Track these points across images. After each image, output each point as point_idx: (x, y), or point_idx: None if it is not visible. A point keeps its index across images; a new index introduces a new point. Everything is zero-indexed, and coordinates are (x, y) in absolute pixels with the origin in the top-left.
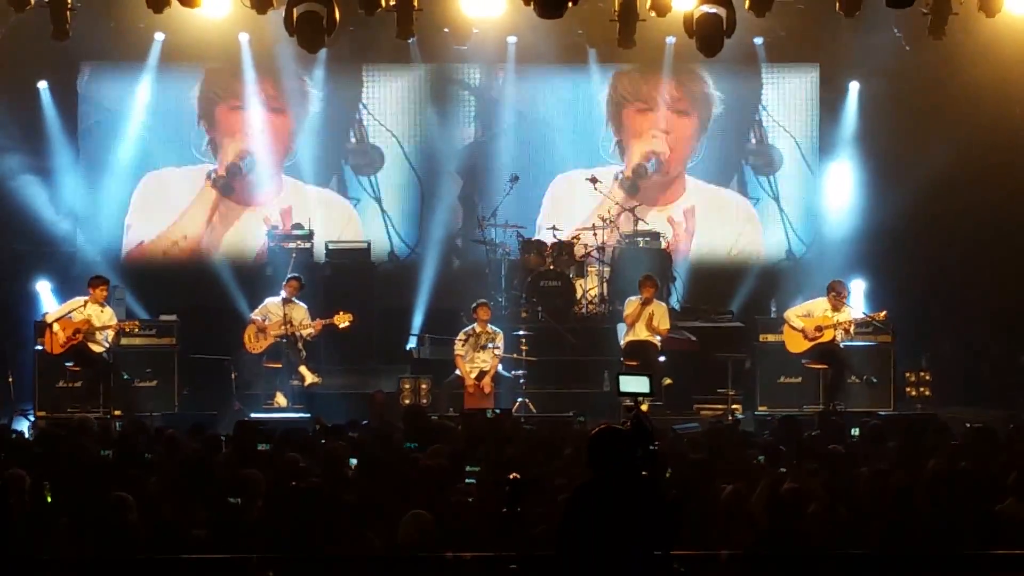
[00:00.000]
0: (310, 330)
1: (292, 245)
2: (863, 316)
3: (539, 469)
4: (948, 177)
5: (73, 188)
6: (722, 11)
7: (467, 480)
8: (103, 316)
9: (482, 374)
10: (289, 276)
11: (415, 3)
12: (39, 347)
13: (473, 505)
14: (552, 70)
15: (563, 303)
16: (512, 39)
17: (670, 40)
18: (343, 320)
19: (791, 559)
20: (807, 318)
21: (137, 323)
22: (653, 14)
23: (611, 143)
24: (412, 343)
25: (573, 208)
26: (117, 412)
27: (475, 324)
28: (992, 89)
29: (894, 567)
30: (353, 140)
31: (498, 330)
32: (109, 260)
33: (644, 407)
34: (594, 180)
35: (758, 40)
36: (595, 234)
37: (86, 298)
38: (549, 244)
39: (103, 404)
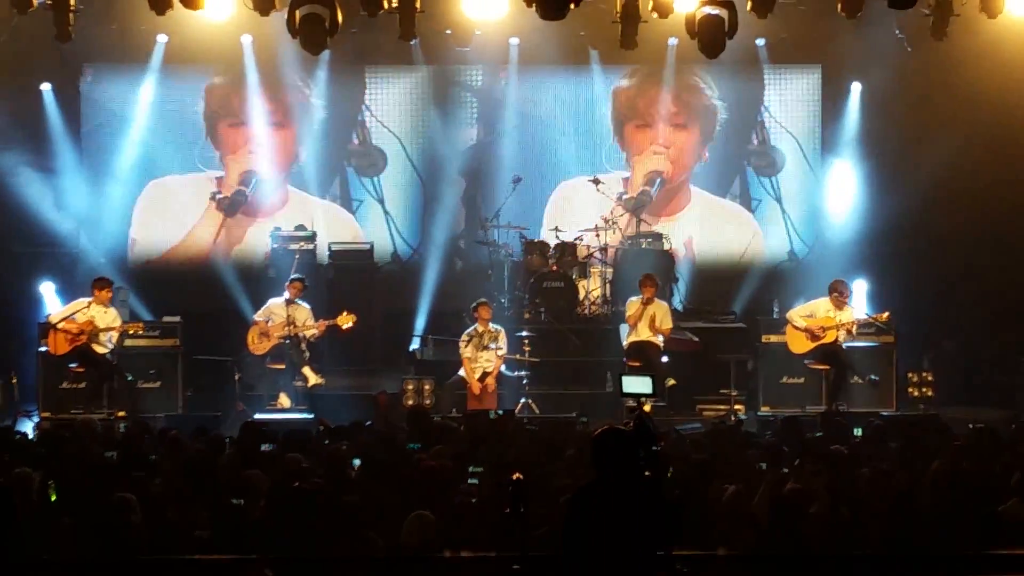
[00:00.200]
0: (313, 331)
1: (295, 246)
2: (865, 317)
3: (542, 470)
4: (950, 178)
5: (76, 190)
6: (724, 12)
7: (470, 481)
8: (107, 317)
9: (485, 374)
10: (293, 277)
11: (417, 5)
12: (43, 348)
13: (476, 506)
14: (554, 71)
15: (566, 304)
16: (514, 40)
17: (672, 41)
18: (346, 321)
19: (793, 560)
20: (810, 318)
21: (141, 325)
22: (655, 15)
23: (614, 152)
24: (415, 344)
25: (577, 211)
26: (121, 413)
27: (477, 324)
28: (994, 90)
29: (896, 568)
30: (356, 141)
31: (500, 328)
32: (113, 262)
33: (647, 408)
34: (596, 181)
35: (760, 41)
36: (598, 235)
37: (90, 299)
38: (552, 245)
39: (107, 405)
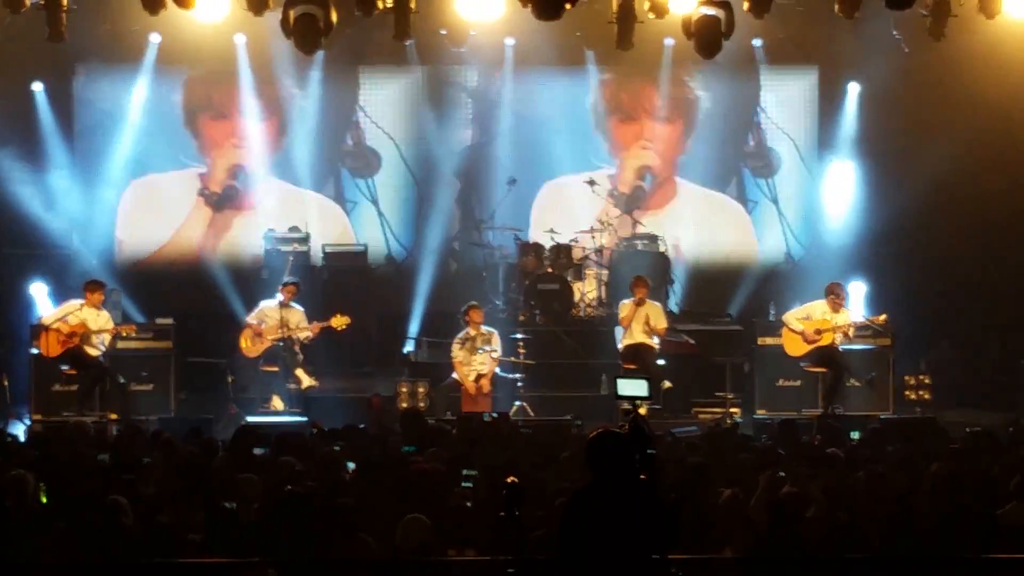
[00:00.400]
0: (307, 333)
1: (289, 248)
2: (862, 319)
3: (537, 473)
4: (948, 179)
5: (69, 190)
6: (721, 13)
7: (464, 484)
8: (99, 320)
9: (479, 377)
10: (287, 281)
11: (412, 5)
12: (35, 351)
13: (471, 509)
14: (550, 72)
15: (561, 306)
16: (510, 41)
17: (668, 42)
18: (340, 323)
19: (789, 563)
20: (806, 321)
21: (133, 327)
22: (651, 16)
23: (602, 148)
24: (409, 347)
25: (565, 211)
26: (113, 416)
27: (468, 328)
28: (992, 91)
29: (893, 571)
30: (350, 142)
31: (492, 330)
32: (105, 263)
33: (642, 410)
34: (592, 183)
35: (757, 42)
36: (593, 237)
37: (82, 301)
38: (547, 247)
39: (99, 408)
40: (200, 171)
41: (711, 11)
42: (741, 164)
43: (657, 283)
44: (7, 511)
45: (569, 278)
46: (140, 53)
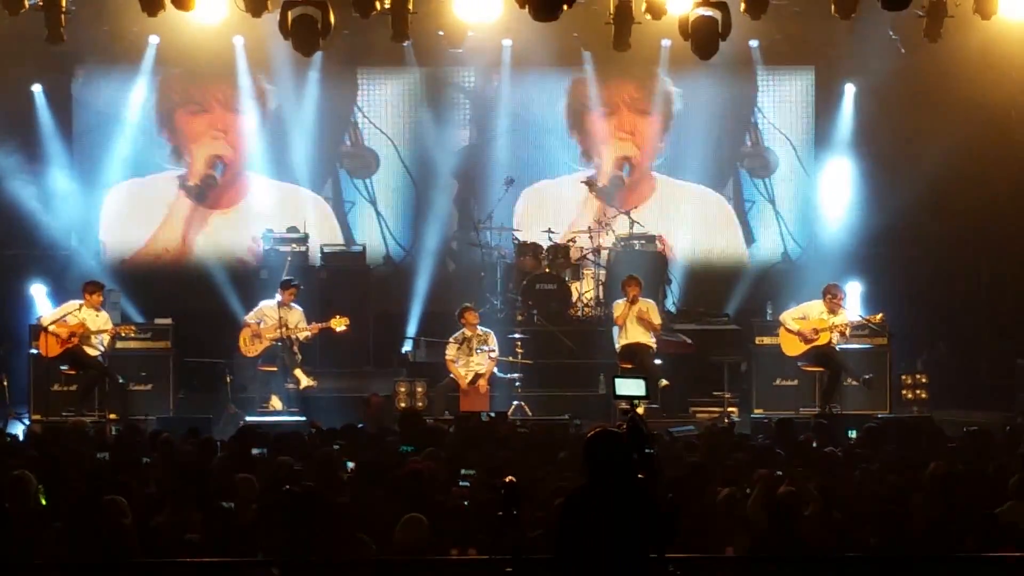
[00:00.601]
0: (306, 333)
1: (287, 249)
2: (859, 319)
3: (535, 472)
4: (944, 179)
5: (68, 191)
6: (717, 14)
7: (461, 483)
8: (98, 320)
9: (477, 377)
10: (290, 282)
11: (410, 6)
12: (34, 351)
13: (468, 508)
14: (547, 73)
15: (558, 306)
16: (507, 42)
17: (665, 43)
18: (340, 324)
19: (787, 562)
20: (803, 321)
21: (132, 327)
22: (648, 17)
23: (576, 151)
24: (407, 346)
25: (546, 215)
26: (112, 416)
27: (464, 329)
28: (988, 91)
29: (890, 570)
30: (348, 143)
31: (488, 330)
32: (104, 264)
33: (640, 410)
34: (590, 184)
35: (753, 43)
36: (591, 237)
37: (81, 302)
38: (545, 247)
39: (98, 408)
40: (178, 173)
41: (708, 12)
42: (738, 164)
43: (654, 283)
44: (7, 511)
45: (567, 278)
46: (139, 55)
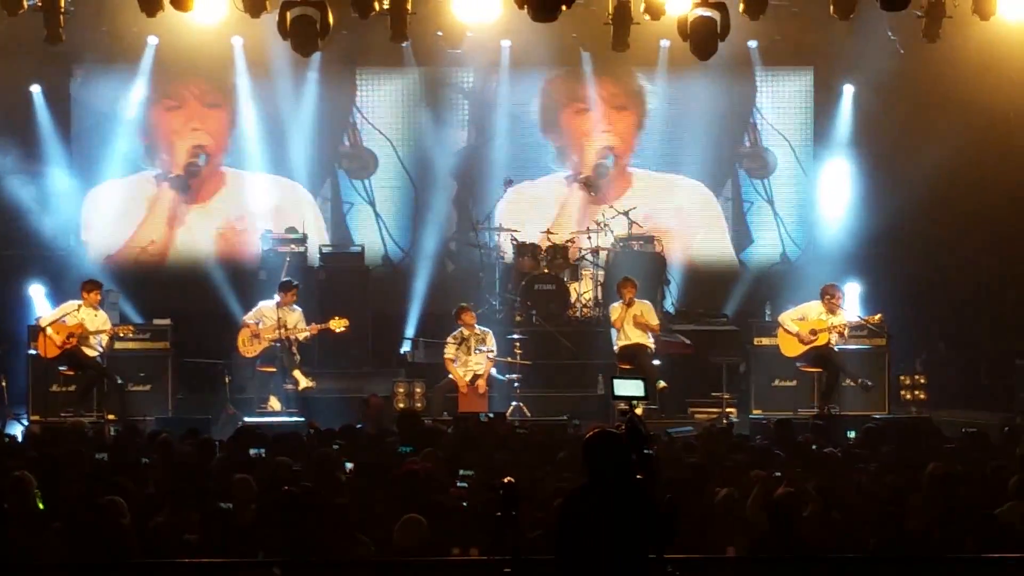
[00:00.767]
0: (305, 334)
1: (286, 249)
2: (858, 320)
3: (533, 473)
4: (943, 180)
5: (66, 191)
6: (716, 14)
7: (459, 484)
8: (97, 320)
9: (476, 377)
10: (290, 283)
11: (409, 6)
12: (32, 351)
13: (467, 509)
14: (546, 74)
15: (557, 306)
16: (506, 42)
17: (664, 43)
18: (339, 324)
19: (785, 562)
20: (801, 321)
21: (131, 327)
22: (647, 17)
23: (551, 152)
24: (406, 347)
25: (527, 214)
26: (111, 416)
27: (461, 328)
28: (986, 92)
29: (889, 571)
30: (347, 143)
31: (487, 330)
32: (103, 264)
33: (639, 411)
34: (588, 184)
35: (752, 43)
36: (589, 237)
37: (80, 302)
38: (543, 247)
39: (97, 408)
40: (154, 173)
41: (707, 12)
42: (737, 165)
43: (653, 283)
44: (6, 512)
45: (565, 279)
46: (138, 55)
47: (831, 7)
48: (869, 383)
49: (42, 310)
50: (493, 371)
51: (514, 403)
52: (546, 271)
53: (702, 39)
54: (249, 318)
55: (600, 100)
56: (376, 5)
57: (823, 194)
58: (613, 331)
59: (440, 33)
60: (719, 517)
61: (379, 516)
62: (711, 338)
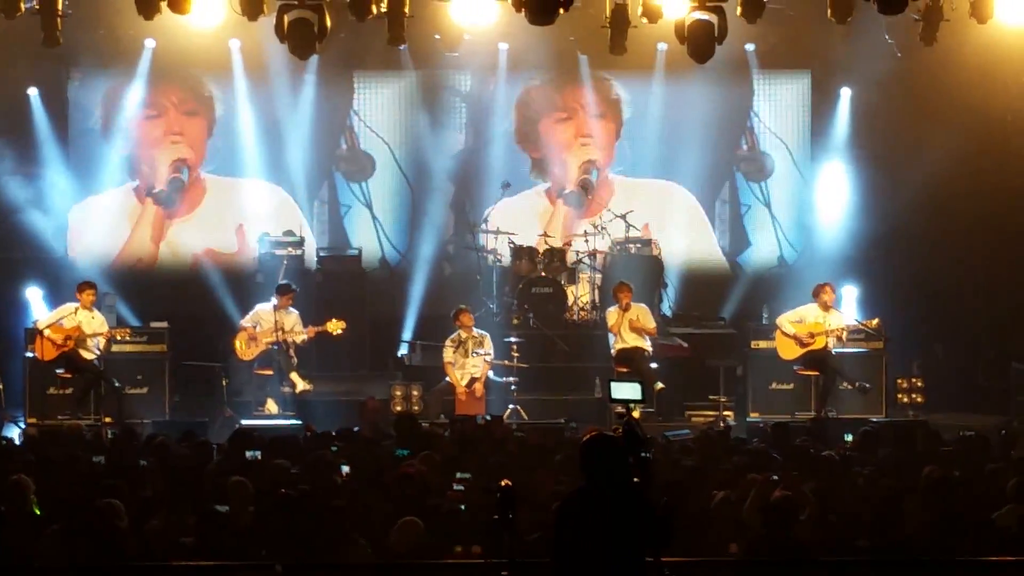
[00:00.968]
0: (302, 337)
1: (283, 252)
2: (855, 323)
3: (530, 476)
4: (940, 183)
5: (63, 194)
6: (713, 18)
7: (456, 487)
8: (94, 323)
9: (473, 380)
10: (287, 287)
11: (406, 10)
12: (30, 354)
13: (464, 512)
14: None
15: (554, 310)
16: (503, 46)
17: (662, 47)
18: (336, 327)
19: (782, 566)
20: (799, 324)
21: (128, 330)
22: (644, 21)
23: (527, 165)
24: (403, 350)
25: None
26: (108, 419)
27: (460, 331)
28: (983, 95)
29: (885, 573)
30: (344, 147)
31: (484, 333)
32: (100, 267)
33: (636, 414)
34: (585, 186)
35: (750, 47)
36: (587, 240)
37: (77, 305)
38: (540, 251)
39: (94, 411)
40: (133, 185)
41: (704, 16)
42: (734, 168)
43: (650, 287)
44: (2, 516)
45: (563, 282)
46: (135, 58)
47: (828, 10)
48: (867, 385)
49: (39, 313)
50: (490, 374)
51: (511, 406)
52: (543, 274)
53: (699, 42)
54: (246, 321)
55: (580, 109)
56: (373, 8)
57: (820, 197)
58: (610, 335)
59: (438, 36)
60: (716, 520)
61: (375, 519)
62: (708, 341)
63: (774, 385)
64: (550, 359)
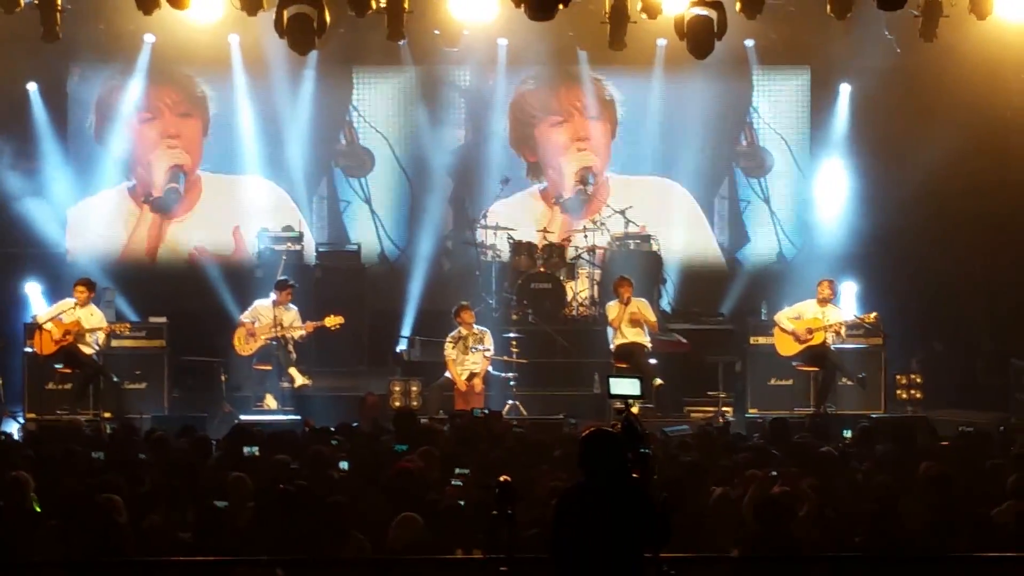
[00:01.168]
0: (301, 332)
1: (282, 248)
2: (853, 318)
3: (529, 472)
4: (939, 179)
5: (63, 189)
6: (713, 13)
7: (454, 482)
8: (93, 318)
9: (472, 376)
10: (286, 282)
11: (405, 5)
12: (29, 349)
13: (463, 508)
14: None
15: (553, 305)
16: (503, 41)
17: (661, 42)
18: (334, 322)
19: (780, 561)
20: (797, 320)
21: (127, 325)
22: (644, 16)
23: (523, 168)
24: (402, 345)
25: (518, 214)
26: (107, 414)
27: (460, 327)
28: (983, 91)
29: (883, 569)
30: (343, 142)
31: (485, 329)
32: (99, 262)
33: (635, 409)
34: (584, 181)
35: (749, 42)
36: (585, 236)
37: (75, 300)
38: (540, 246)
39: (93, 406)
40: (129, 185)
41: (703, 11)
42: (733, 164)
43: (649, 282)
44: (1, 511)
45: (562, 277)
46: (135, 53)
47: (828, 6)
48: (862, 374)
49: (38, 308)
50: (490, 369)
51: (510, 401)
52: (542, 270)
53: (699, 38)
54: (245, 316)
55: (576, 112)
56: (373, 3)
57: (819, 193)
58: (610, 330)
59: (437, 32)
60: (715, 516)
61: (374, 515)
62: (707, 337)
63: (773, 381)
64: (549, 355)
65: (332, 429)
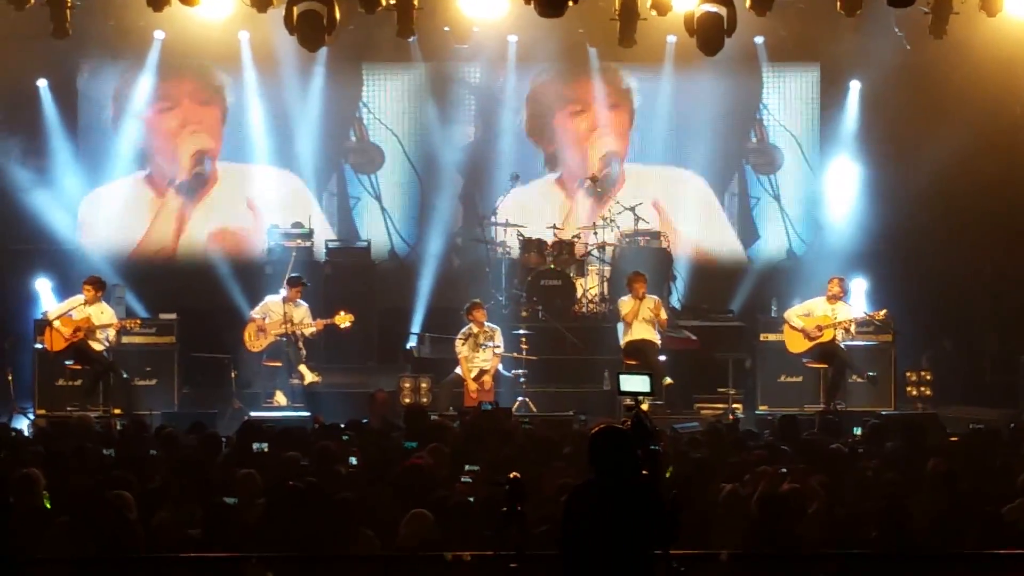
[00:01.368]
0: (312, 329)
1: (292, 244)
2: (863, 315)
3: (539, 468)
4: (949, 176)
5: (73, 186)
6: (723, 10)
7: (464, 479)
8: (103, 315)
9: (482, 373)
10: (297, 279)
11: (415, 2)
12: (39, 345)
13: (473, 504)
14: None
15: (563, 302)
16: (513, 38)
17: (671, 39)
18: (344, 320)
19: (789, 558)
20: (807, 317)
21: (137, 321)
22: (654, 13)
23: (539, 158)
24: (412, 342)
25: (526, 213)
26: (117, 411)
27: (471, 325)
28: (993, 88)
29: (892, 566)
30: (353, 139)
31: (495, 327)
32: (109, 258)
33: (644, 406)
34: (594, 179)
35: (759, 39)
36: (595, 233)
37: (84, 298)
38: (550, 243)
39: (103, 403)
40: (145, 173)
41: (713, 8)
42: (743, 161)
43: (659, 279)
44: (11, 507)
45: (571, 274)
46: (145, 49)
47: (838, 3)
48: (873, 374)
49: (49, 304)
50: (499, 366)
51: (520, 398)
52: (552, 267)
53: (709, 35)
54: (255, 313)
55: (594, 100)
56: (383, 0)
57: (829, 190)
58: (620, 325)
59: (447, 28)
60: (724, 513)
61: (383, 511)
62: (717, 334)
63: (783, 378)
64: (559, 351)
65: (342, 426)
